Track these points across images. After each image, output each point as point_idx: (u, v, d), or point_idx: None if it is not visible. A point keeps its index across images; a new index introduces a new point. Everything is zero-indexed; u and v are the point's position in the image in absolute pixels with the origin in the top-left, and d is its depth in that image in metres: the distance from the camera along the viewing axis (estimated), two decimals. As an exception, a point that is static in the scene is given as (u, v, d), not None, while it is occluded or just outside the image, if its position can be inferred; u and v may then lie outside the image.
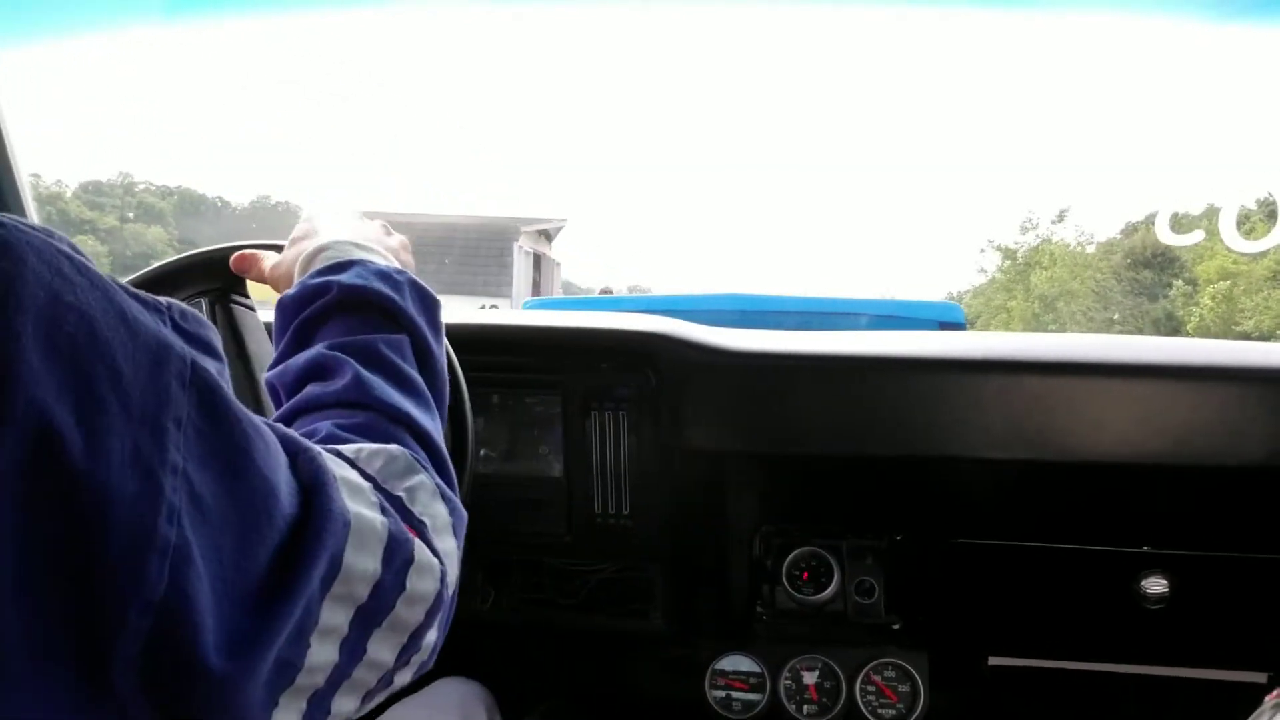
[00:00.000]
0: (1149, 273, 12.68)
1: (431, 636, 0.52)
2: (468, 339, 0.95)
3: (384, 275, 0.64)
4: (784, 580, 1.21)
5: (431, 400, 0.62)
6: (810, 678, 1.20)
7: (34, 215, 1.27)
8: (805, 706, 1.19)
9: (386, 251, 0.70)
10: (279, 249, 0.76)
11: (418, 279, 0.66)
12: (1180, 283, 12.36)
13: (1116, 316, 12.35)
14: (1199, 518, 1.18)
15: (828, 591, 1.19)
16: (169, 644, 0.34)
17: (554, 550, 1.23)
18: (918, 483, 1.25)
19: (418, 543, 0.49)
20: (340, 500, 0.44)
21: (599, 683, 1.43)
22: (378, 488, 0.50)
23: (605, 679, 1.43)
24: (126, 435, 0.34)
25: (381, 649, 0.48)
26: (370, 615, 0.46)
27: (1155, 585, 1.13)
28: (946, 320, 3.69)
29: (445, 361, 0.66)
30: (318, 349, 0.60)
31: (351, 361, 0.58)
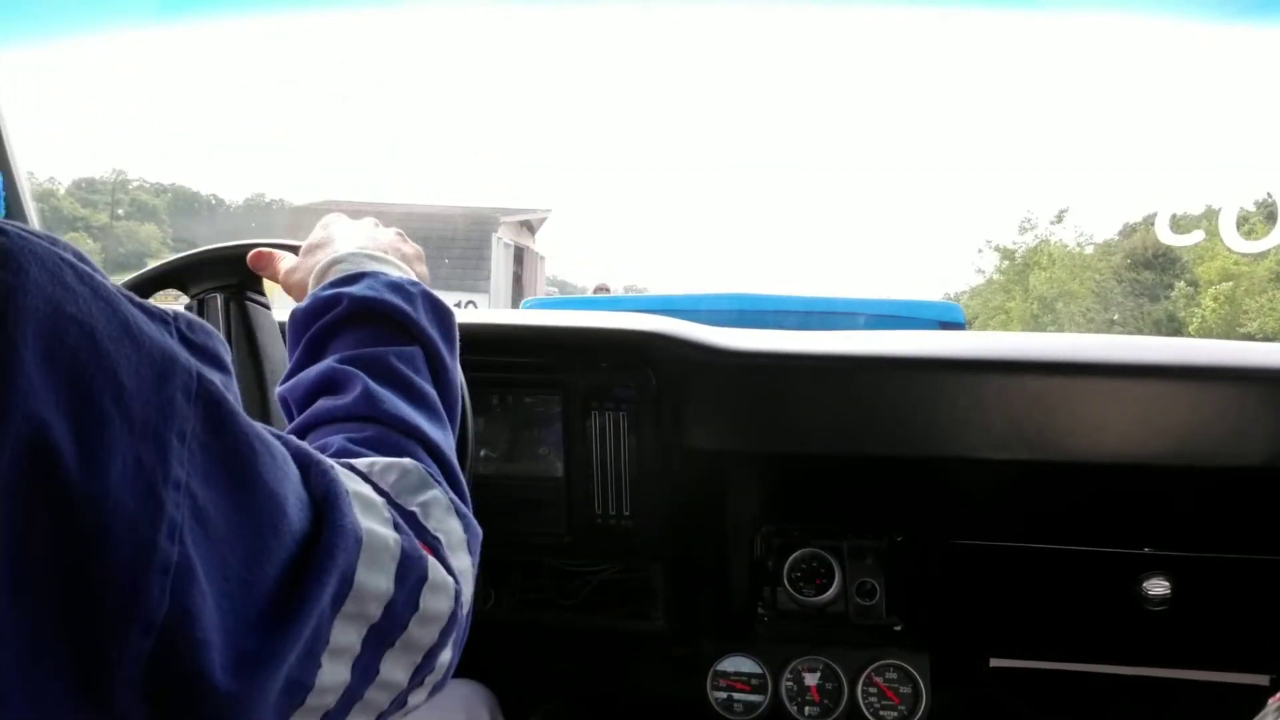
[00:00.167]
0: (1150, 273, 12.64)
1: (446, 656, 0.51)
2: (467, 339, 0.94)
3: (396, 287, 0.64)
4: (785, 581, 1.21)
5: (444, 413, 0.61)
6: (812, 679, 1.20)
7: (33, 216, 1.27)
8: (807, 708, 1.19)
9: (401, 261, 0.70)
10: (296, 250, 0.76)
11: (431, 291, 0.66)
12: (1182, 284, 12.32)
13: (1117, 317, 12.33)
14: (1200, 519, 1.18)
15: (829, 593, 1.19)
16: (173, 664, 0.34)
17: (554, 550, 1.23)
18: (918, 483, 1.25)
19: (432, 560, 0.49)
20: (352, 516, 0.44)
21: (600, 683, 1.43)
22: (391, 503, 0.49)
23: (606, 679, 1.43)
24: (128, 450, 0.33)
25: (395, 669, 0.47)
26: (383, 635, 0.45)
27: (1157, 587, 1.13)
28: (947, 320, 3.69)
29: (459, 374, 0.66)
30: (328, 362, 0.59)
31: (361, 375, 0.58)
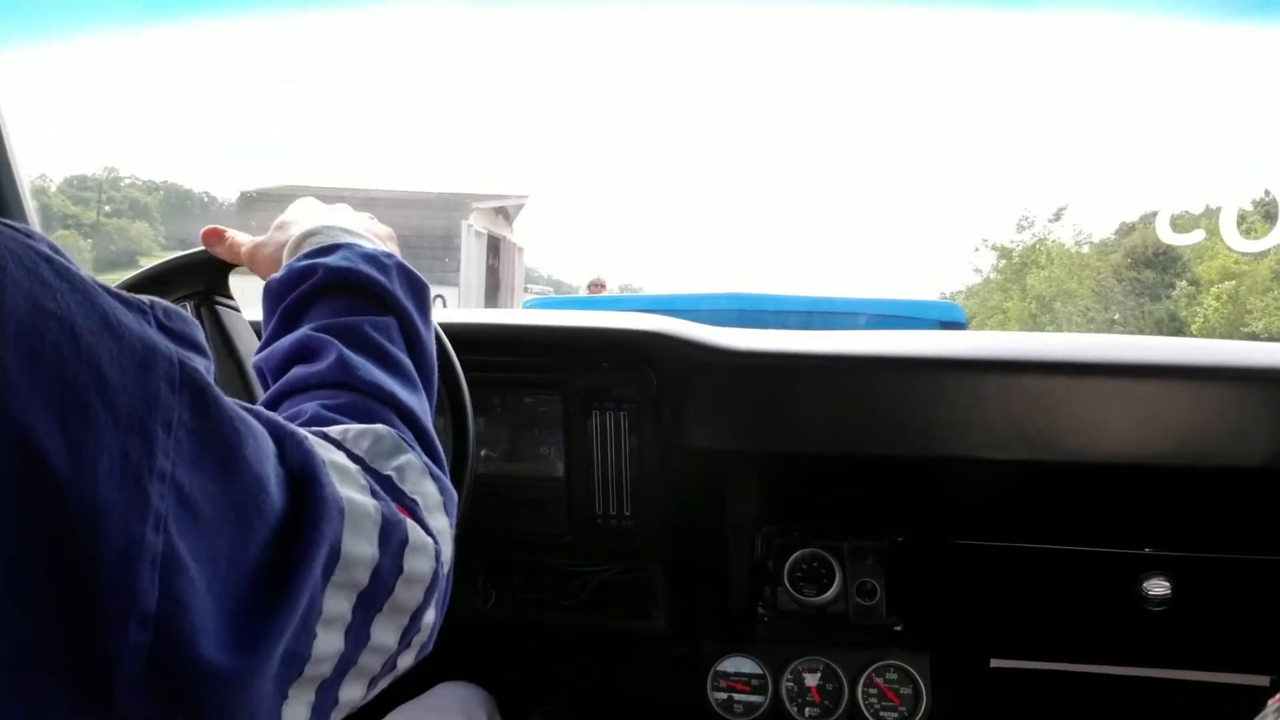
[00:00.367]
0: (1150, 272, 12.58)
1: (430, 616, 0.52)
2: (468, 339, 0.95)
3: (371, 258, 0.64)
4: (785, 581, 1.21)
5: (419, 382, 0.62)
6: (812, 679, 1.20)
7: (33, 215, 1.26)
8: (807, 709, 1.19)
9: (374, 238, 0.70)
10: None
11: (406, 263, 0.66)
12: (1184, 283, 12.25)
13: (1117, 317, 12.28)
14: (1201, 519, 1.18)
15: (829, 593, 1.19)
16: (171, 654, 0.34)
17: (555, 550, 1.23)
18: (918, 483, 1.25)
19: (410, 523, 0.49)
20: (332, 486, 0.44)
21: (600, 683, 1.43)
22: (366, 468, 0.50)
23: (606, 679, 1.43)
24: (114, 445, 0.33)
25: (384, 632, 0.48)
26: (371, 599, 0.46)
27: (1157, 587, 1.13)
28: (947, 320, 3.70)
29: (434, 345, 0.66)
30: (303, 331, 0.60)
31: (336, 342, 0.58)
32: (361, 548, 0.45)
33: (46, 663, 0.31)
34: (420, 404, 0.60)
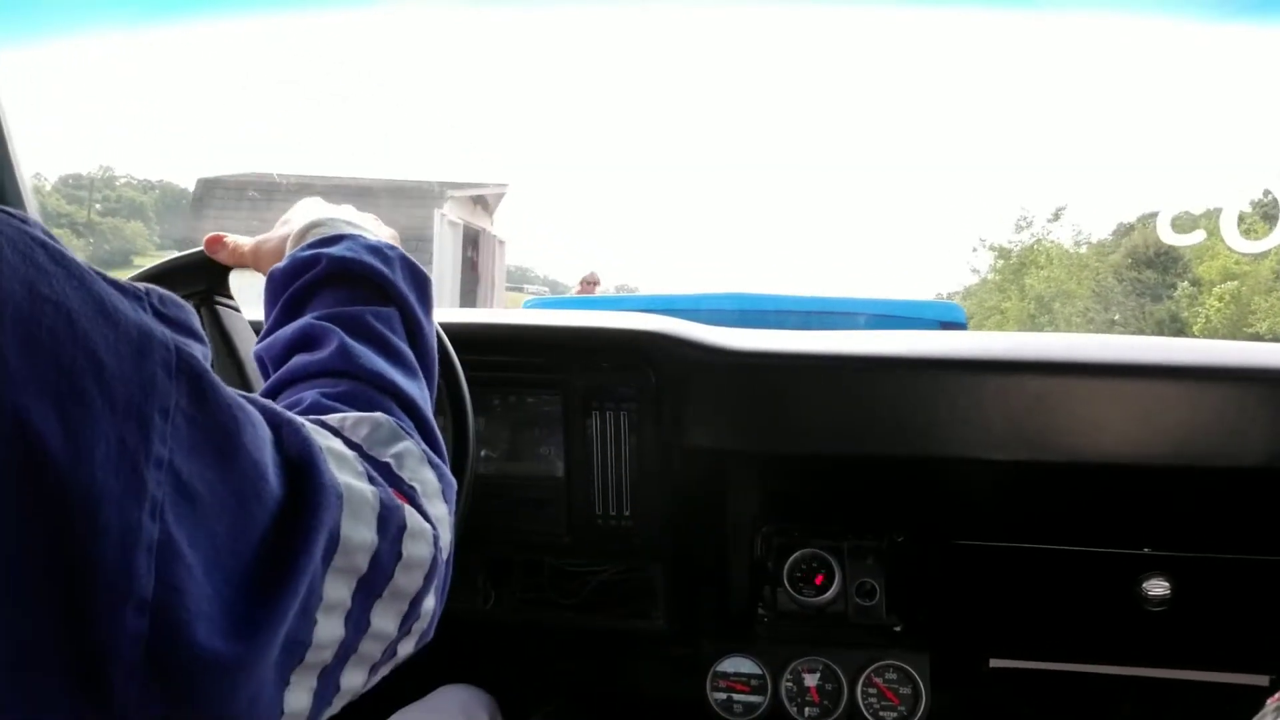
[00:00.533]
0: (1151, 272, 12.50)
1: (430, 603, 0.52)
2: (468, 339, 0.95)
3: (374, 249, 0.65)
4: (785, 581, 1.21)
5: (420, 372, 0.62)
6: (811, 680, 1.20)
7: (34, 213, 1.27)
8: (807, 709, 1.19)
9: (378, 232, 0.71)
10: None
11: (409, 255, 0.67)
12: (1185, 284, 12.18)
13: (1117, 317, 12.22)
14: (1200, 519, 1.18)
15: (829, 593, 1.19)
16: (170, 640, 0.34)
17: (555, 550, 1.23)
18: (918, 483, 1.25)
19: (409, 509, 0.49)
20: (330, 472, 0.44)
21: (599, 683, 1.43)
22: (363, 455, 0.50)
23: (606, 679, 1.43)
24: (111, 431, 0.33)
25: (384, 619, 0.48)
26: (371, 586, 0.46)
27: (1157, 587, 1.13)
28: (947, 320, 3.70)
29: (435, 338, 0.67)
30: (305, 319, 0.60)
31: (338, 330, 0.58)
32: (361, 533, 0.45)
33: (46, 653, 0.31)
34: (421, 393, 0.60)
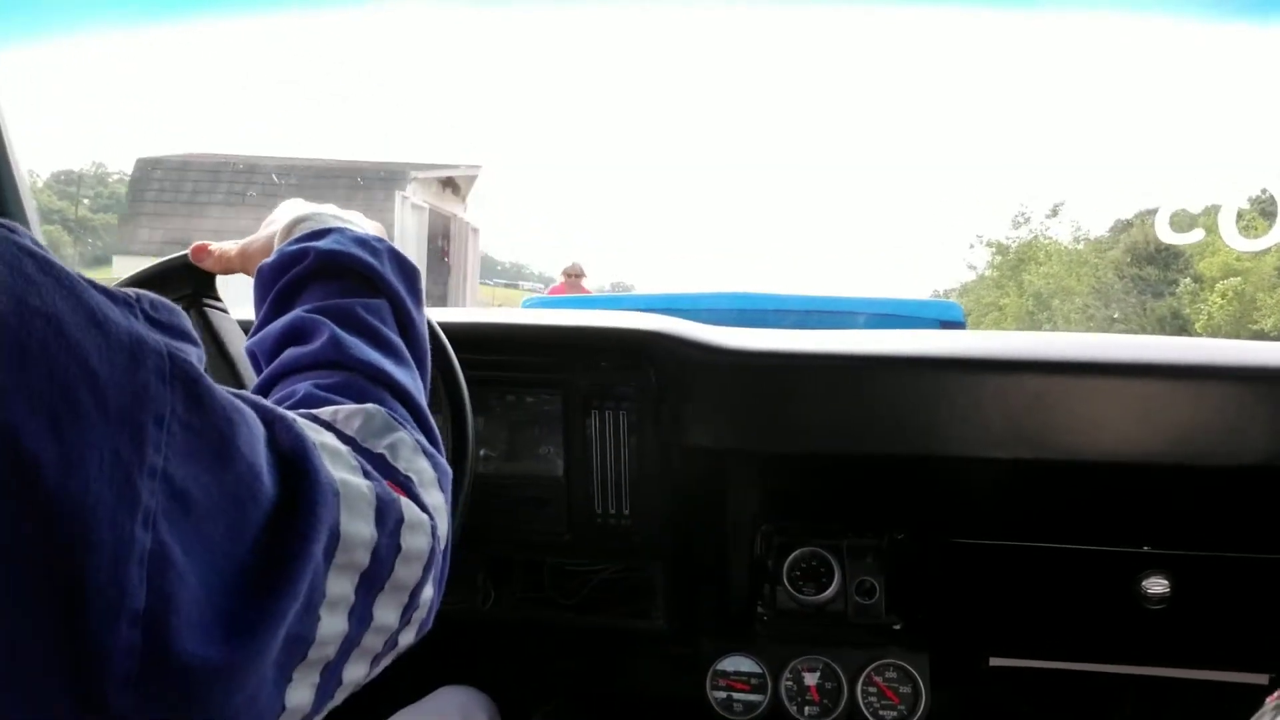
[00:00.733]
0: (1153, 269, 12.40)
1: (429, 593, 0.52)
2: (468, 338, 0.95)
3: (362, 242, 0.65)
4: (785, 580, 1.21)
5: (413, 362, 0.62)
6: (811, 679, 1.20)
7: (33, 216, 1.27)
8: (807, 708, 1.19)
9: (364, 227, 0.71)
10: None
11: (396, 248, 0.67)
12: (1188, 280, 12.08)
13: (1117, 314, 12.16)
14: (1200, 517, 1.18)
15: (829, 592, 1.19)
16: (162, 650, 0.34)
17: (555, 550, 1.23)
18: (918, 482, 1.25)
19: (405, 501, 0.50)
20: (326, 469, 0.44)
21: (599, 682, 1.43)
22: (357, 448, 0.50)
23: (606, 678, 1.43)
24: (104, 442, 0.32)
25: (386, 611, 0.48)
26: (372, 580, 0.46)
27: (1156, 585, 1.13)
28: (947, 319, 3.70)
29: (426, 328, 0.67)
30: (296, 312, 0.60)
31: (329, 323, 0.58)
32: (360, 529, 0.45)
33: (42, 666, 0.31)
34: (414, 383, 0.60)
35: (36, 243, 0.34)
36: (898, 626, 1.20)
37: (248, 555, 0.38)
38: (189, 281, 0.86)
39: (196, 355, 0.38)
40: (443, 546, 0.54)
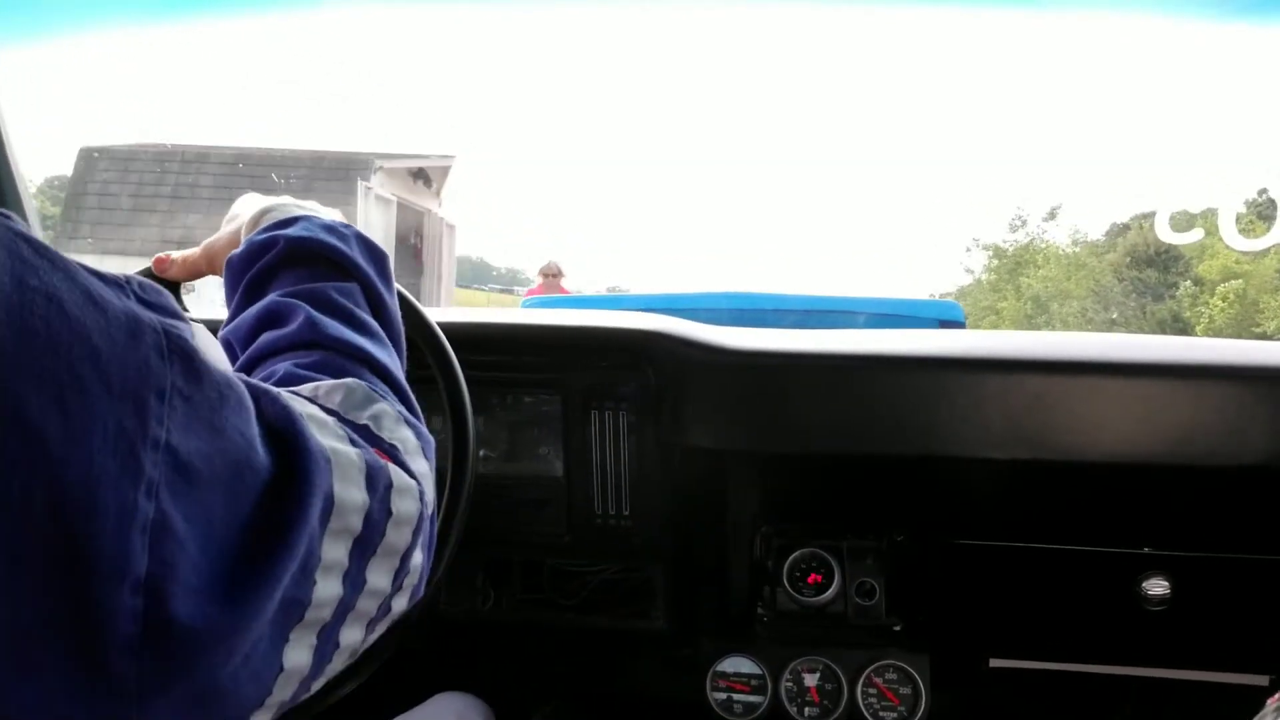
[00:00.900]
0: (1153, 271, 12.34)
1: (418, 558, 0.53)
2: (468, 339, 0.95)
3: (330, 228, 0.66)
4: (785, 581, 1.20)
5: (388, 340, 0.63)
6: (811, 680, 1.20)
7: (33, 214, 1.26)
8: (806, 709, 1.19)
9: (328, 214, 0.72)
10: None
11: (363, 233, 0.68)
12: (1188, 283, 12.03)
13: (1116, 317, 12.11)
14: (1201, 519, 1.18)
15: (829, 593, 1.19)
16: (161, 614, 0.34)
17: (554, 550, 1.23)
18: (918, 482, 1.25)
19: (393, 467, 0.51)
20: (315, 438, 0.45)
21: (599, 683, 1.43)
22: (341, 420, 0.51)
23: (605, 679, 1.43)
24: (108, 415, 0.33)
25: (378, 575, 0.49)
26: (365, 544, 0.48)
27: (1157, 587, 1.13)
28: (946, 319, 3.70)
29: (399, 310, 0.68)
30: (270, 298, 0.61)
31: (303, 304, 0.59)
32: (353, 494, 0.46)
33: (46, 634, 0.32)
34: (391, 359, 0.61)
35: (28, 229, 0.35)
36: (898, 628, 1.20)
37: (245, 521, 0.39)
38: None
39: (188, 330, 0.39)
40: (430, 512, 0.55)
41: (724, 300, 3.76)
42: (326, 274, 0.63)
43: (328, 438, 0.47)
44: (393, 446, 0.53)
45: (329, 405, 0.52)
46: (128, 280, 0.38)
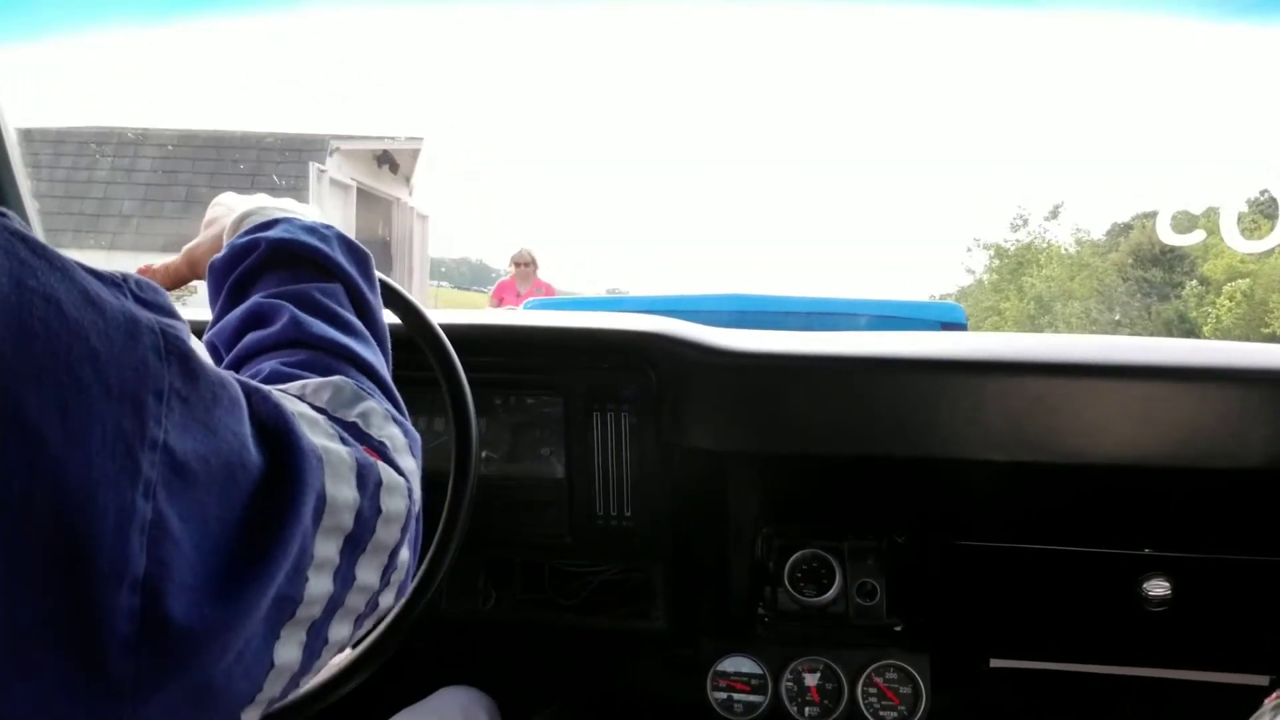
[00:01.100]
0: (1157, 271, 12.25)
1: (405, 554, 0.54)
2: (469, 340, 0.95)
3: (311, 230, 0.66)
4: (786, 582, 1.21)
5: (372, 339, 0.63)
6: (812, 679, 1.20)
7: (34, 215, 1.27)
8: (807, 708, 1.19)
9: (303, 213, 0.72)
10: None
11: (345, 234, 0.68)
12: (1194, 282, 11.92)
13: (1120, 317, 12.05)
14: (1201, 520, 1.18)
15: (829, 593, 1.19)
16: (157, 613, 0.35)
17: (556, 551, 1.23)
18: (919, 484, 1.25)
19: (382, 464, 0.51)
20: (307, 436, 0.45)
21: (600, 683, 1.43)
22: (331, 418, 0.51)
23: (606, 679, 1.43)
24: (107, 416, 0.33)
25: (368, 572, 0.50)
26: (356, 541, 0.48)
27: (1157, 587, 1.13)
28: (948, 321, 3.70)
29: (383, 311, 0.68)
30: (253, 300, 0.61)
31: (287, 305, 0.60)
32: (344, 492, 0.47)
33: (45, 633, 0.32)
34: (376, 358, 0.62)
35: (26, 228, 0.35)
36: (899, 628, 1.20)
37: (240, 521, 0.39)
38: None
39: (184, 330, 0.39)
40: (417, 510, 0.55)
41: (725, 302, 3.76)
42: (309, 275, 0.63)
43: (319, 436, 0.47)
44: (381, 444, 0.54)
45: (317, 403, 0.53)
46: (125, 279, 0.39)
